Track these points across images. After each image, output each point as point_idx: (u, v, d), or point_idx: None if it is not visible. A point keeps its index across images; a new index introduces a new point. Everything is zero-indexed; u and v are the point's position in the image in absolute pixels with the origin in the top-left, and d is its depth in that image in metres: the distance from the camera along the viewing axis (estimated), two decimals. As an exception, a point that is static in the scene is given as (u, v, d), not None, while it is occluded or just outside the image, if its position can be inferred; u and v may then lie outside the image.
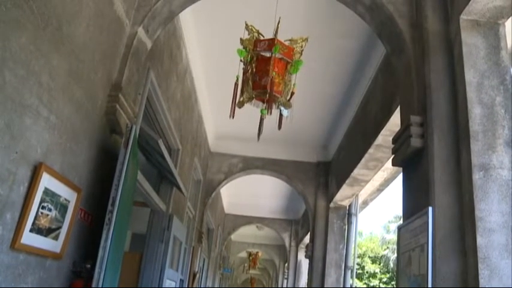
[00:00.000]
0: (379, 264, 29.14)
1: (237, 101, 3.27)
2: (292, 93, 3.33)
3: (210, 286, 12.31)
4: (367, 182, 6.75)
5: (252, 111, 3.47)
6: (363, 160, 5.89)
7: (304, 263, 12.86)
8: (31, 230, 2.19)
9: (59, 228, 2.46)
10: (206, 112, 7.37)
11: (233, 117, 3.20)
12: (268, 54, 3.25)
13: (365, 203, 8.17)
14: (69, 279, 2.67)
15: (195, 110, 6.59)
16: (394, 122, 4.55)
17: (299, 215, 13.81)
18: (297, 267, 14.50)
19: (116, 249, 2.84)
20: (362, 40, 5.17)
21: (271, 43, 3.21)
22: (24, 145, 2.09)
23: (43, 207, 2.27)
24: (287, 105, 3.32)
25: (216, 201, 11.06)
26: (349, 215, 7.92)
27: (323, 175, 8.39)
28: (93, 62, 2.77)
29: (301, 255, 12.34)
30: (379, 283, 28.53)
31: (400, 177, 3.47)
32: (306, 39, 3.33)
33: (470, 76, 2.72)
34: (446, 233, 2.54)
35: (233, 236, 16.86)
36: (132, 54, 3.30)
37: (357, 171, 6.33)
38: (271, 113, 3.25)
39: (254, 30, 3.34)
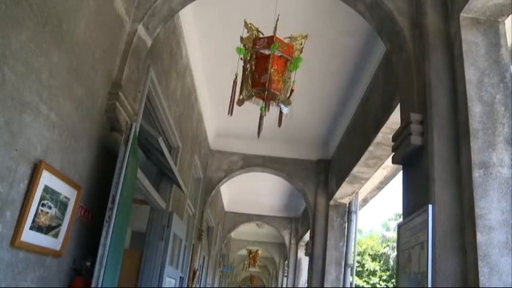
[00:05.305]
0: (379, 262, 29.17)
1: (235, 99, 3.27)
2: (292, 91, 3.33)
3: (210, 284, 12.33)
4: (367, 179, 6.75)
5: (252, 109, 3.47)
6: (363, 158, 5.89)
7: (304, 261, 12.86)
8: (31, 228, 2.19)
9: (59, 225, 2.46)
10: (206, 110, 7.37)
11: (231, 114, 3.20)
12: (267, 52, 3.25)
13: (365, 201, 8.17)
14: (69, 277, 2.67)
15: (195, 107, 6.59)
16: (394, 119, 4.55)
17: (299, 212, 13.82)
18: (297, 265, 14.52)
19: (116, 246, 2.85)
20: (362, 38, 5.16)
21: (270, 41, 3.21)
22: (24, 143, 2.09)
23: (43, 205, 2.27)
24: (287, 102, 3.32)
25: (216, 199, 11.06)
26: (349, 212, 7.92)
27: (323, 173, 8.39)
28: (93, 59, 2.77)
29: (301, 253, 12.34)
30: (379, 281, 28.55)
31: (400, 175, 3.47)
32: (306, 37, 3.33)
33: (470, 74, 2.72)
34: (446, 230, 2.54)
35: (233, 234, 16.87)
36: (132, 51, 3.29)
37: (357, 169, 6.33)
38: (268, 109, 3.25)
39: (253, 28, 3.33)
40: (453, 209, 2.58)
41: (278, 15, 3.33)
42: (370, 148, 5.54)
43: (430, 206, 2.61)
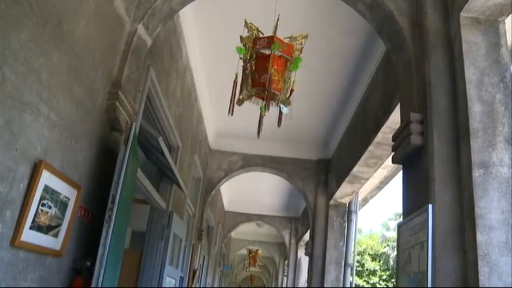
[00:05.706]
0: (379, 262, 29.17)
1: (236, 99, 3.27)
2: (292, 91, 3.33)
3: (210, 283, 12.33)
4: (367, 179, 6.75)
5: (252, 108, 3.47)
6: (363, 157, 5.89)
7: (304, 261, 12.85)
8: (31, 228, 2.19)
9: (59, 225, 2.46)
10: (206, 109, 7.37)
11: (232, 114, 3.20)
12: (267, 52, 3.25)
13: (365, 201, 8.17)
14: (69, 276, 2.67)
15: (195, 107, 6.59)
16: (394, 119, 4.55)
17: (299, 212, 13.81)
18: (297, 264, 14.52)
19: (116, 246, 2.85)
20: (362, 37, 5.16)
21: (270, 41, 3.21)
22: (24, 142, 2.09)
23: (43, 205, 2.27)
24: (286, 102, 3.32)
25: (216, 198, 11.06)
26: (349, 212, 7.92)
27: (323, 172, 8.39)
28: (93, 59, 2.77)
29: (301, 253, 12.35)
30: (379, 280, 28.55)
31: (400, 174, 3.47)
32: (306, 37, 3.33)
33: (470, 73, 2.72)
34: (446, 230, 2.54)
35: (233, 234, 16.87)
36: (132, 51, 3.29)
37: (357, 169, 6.33)
38: (268, 109, 3.25)
39: (253, 28, 3.33)
40: (453, 209, 2.58)
41: (278, 15, 3.33)
42: (370, 148, 5.54)
43: (430, 206, 2.61)
